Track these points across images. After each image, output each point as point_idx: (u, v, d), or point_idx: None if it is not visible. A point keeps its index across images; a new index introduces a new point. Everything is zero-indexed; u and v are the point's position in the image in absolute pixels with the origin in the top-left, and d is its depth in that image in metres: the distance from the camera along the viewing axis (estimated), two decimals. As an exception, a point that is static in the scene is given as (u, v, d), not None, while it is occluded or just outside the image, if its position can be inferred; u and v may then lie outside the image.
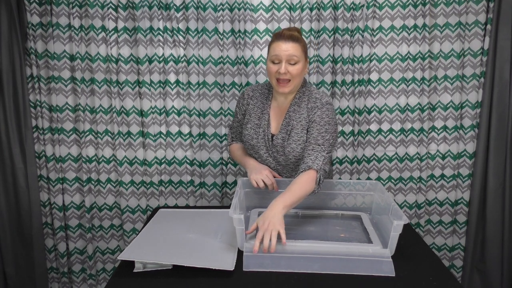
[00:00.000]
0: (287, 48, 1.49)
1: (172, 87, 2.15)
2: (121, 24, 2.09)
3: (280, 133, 1.61)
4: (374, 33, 2.08)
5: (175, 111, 2.18)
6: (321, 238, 1.42)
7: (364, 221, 1.54)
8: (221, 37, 2.09)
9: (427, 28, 2.06)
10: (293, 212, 1.63)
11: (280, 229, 1.29)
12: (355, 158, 2.21)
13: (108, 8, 2.06)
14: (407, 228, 1.55)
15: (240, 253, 1.31)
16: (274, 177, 1.61)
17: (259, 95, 1.69)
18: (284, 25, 2.06)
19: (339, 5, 2.04)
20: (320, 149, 1.51)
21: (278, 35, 1.54)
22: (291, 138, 1.58)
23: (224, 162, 2.24)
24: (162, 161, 2.24)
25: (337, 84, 2.13)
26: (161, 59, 2.12)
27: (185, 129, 2.20)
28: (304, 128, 1.58)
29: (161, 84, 2.16)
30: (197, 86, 2.16)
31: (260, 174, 1.57)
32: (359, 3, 2.04)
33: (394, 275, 1.21)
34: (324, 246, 1.30)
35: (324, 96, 1.61)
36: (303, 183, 1.45)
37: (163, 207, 1.93)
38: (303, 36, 1.74)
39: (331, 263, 1.25)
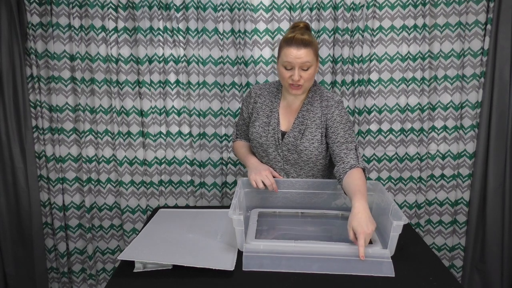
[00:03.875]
0: (300, 55, 1.46)
1: (172, 87, 2.15)
2: (121, 24, 2.09)
3: (292, 131, 1.61)
4: (374, 33, 2.09)
5: (175, 111, 2.18)
6: (321, 238, 1.42)
7: None
8: (221, 37, 2.09)
9: (427, 28, 2.06)
10: (293, 212, 1.63)
11: (372, 233, 1.30)
12: (355, 158, 2.21)
13: (108, 8, 2.06)
14: (407, 228, 1.54)
15: (240, 253, 1.31)
16: (274, 177, 1.61)
17: (267, 93, 1.69)
18: (284, 25, 2.06)
19: (339, 5, 2.04)
20: (354, 146, 1.54)
21: (290, 41, 1.48)
22: (305, 137, 1.59)
23: (224, 162, 2.24)
24: (162, 161, 2.24)
25: (337, 84, 2.13)
26: (161, 59, 2.12)
27: (185, 129, 2.20)
28: (318, 127, 1.59)
29: (161, 84, 2.16)
30: (197, 86, 2.16)
31: (259, 175, 1.57)
32: (359, 3, 2.04)
33: (394, 276, 1.21)
34: (324, 247, 1.30)
35: (334, 94, 1.64)
36: (362, 179, 1.45)
37: (163, 207, 1.93)
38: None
39: (330, 263, 1.25)
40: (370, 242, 1.35)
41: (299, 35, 1.49)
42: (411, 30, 2.07)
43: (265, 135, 1.64)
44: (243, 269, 1.24)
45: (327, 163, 1.68)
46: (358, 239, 1.27)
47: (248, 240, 1.33)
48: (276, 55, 2.07)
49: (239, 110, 1.79)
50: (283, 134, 1.63)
